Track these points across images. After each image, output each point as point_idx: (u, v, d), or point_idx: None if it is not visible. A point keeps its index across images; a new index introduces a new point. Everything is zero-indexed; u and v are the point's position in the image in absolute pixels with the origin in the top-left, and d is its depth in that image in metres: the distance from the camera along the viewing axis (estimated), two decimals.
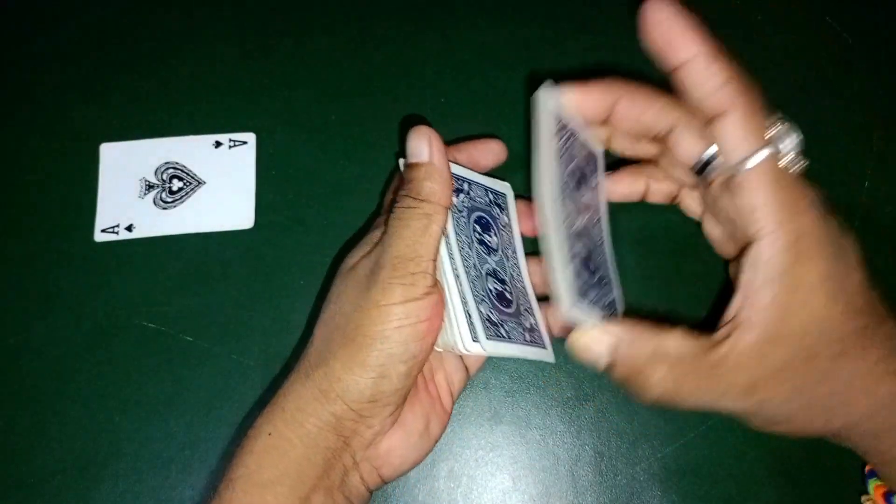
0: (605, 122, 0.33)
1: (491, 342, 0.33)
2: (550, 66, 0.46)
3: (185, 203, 0.43)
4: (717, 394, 0.29)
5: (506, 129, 0.45)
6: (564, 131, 0.32)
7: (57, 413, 0.40)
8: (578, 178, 0.34)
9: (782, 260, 0.27)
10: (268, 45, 0.47)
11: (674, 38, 0.28)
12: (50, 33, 0.47)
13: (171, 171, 0.44)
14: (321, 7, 0.47)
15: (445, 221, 0.33)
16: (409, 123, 0.42)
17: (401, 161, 0.35)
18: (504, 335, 0.34)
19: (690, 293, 0.42)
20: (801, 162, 0.28)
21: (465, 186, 0.37)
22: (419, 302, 0.31)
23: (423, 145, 0.33)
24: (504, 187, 0.40)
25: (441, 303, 0.32)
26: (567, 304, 0.30)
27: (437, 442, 0.35)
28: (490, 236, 0.37)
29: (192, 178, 0.44)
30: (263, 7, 0.48)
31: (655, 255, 0.43)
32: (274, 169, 0.44)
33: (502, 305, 0.35)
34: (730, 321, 0.28)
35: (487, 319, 0.34)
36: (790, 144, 0.28)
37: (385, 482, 0.34)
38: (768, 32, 0.47)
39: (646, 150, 0.35)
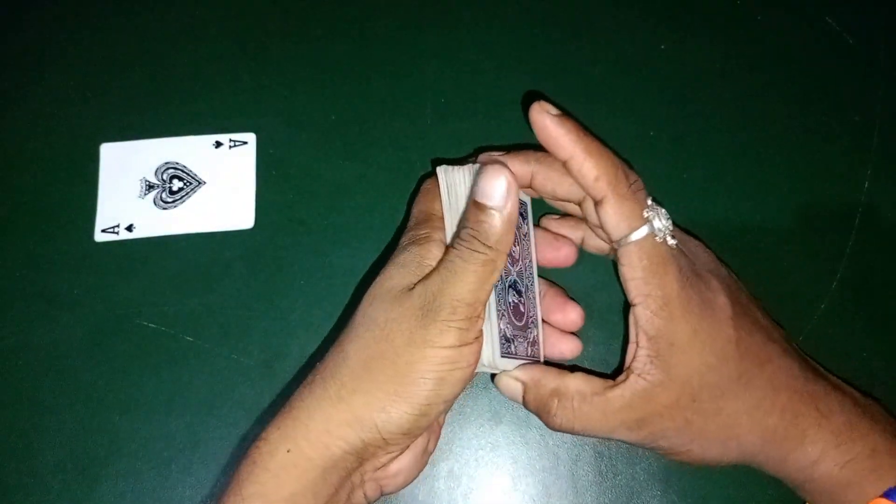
0: (529, 186, 0.37)
1: (504, 360, 0.33)
2: (550, 66, 0.46)
3: (185, 203, 0.43)
4: (611, 426, 0.33)
5: (506, 130, 0.45)
6: None
7: (57, 413, 0.40)
8: None
9: (655, 323, 0.32)
10: (268, 45, 0.47)
11: (554, 141, 0.33)
12: (50, 33, 0.47)
13: (171, 171, 0.44)
14: (321, 7, 0.47)
15: (503, 270, 0.33)
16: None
17: (441, 169, 0.34)
18: (513, 352, 0.34)
19: None
20: (672, 239, 0.33)
21: None
22: (470, 347, 0.31)
23: (501, 190, 0.31)
24: (525, 196, 0.38)
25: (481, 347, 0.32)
26: (495, 355, 0.33)
27: (430, 457, 0.36)
28: (514, 245, 0.36)
29: (192, 178, 0.44)
30: (263, 7, 0.48)
31: None
32: (274, 169, 0.44)
33: (516, 319, 0.35)
34: (626, 369, 0.33)
35: (503, 336, 0.33)
36: (661, 223, 0.33)
37: (382, 496, 0.35)
38: (768, 32, 0.47)
39: (575, 209, 0.37)
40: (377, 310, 0.32)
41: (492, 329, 0.33)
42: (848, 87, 0.46)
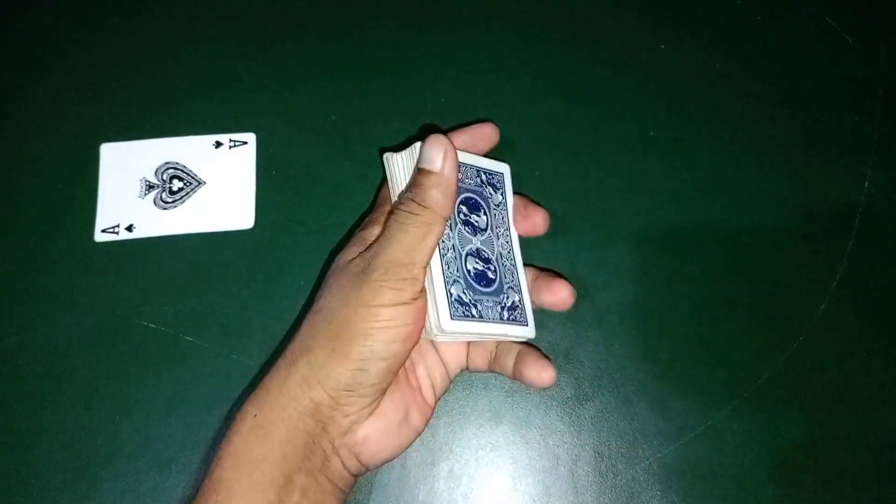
0: None
1: (456, 322, 0.34)
2: (550, 66, 0.46)
3: (185, 203, 0.43)
4: None
5: (505, 129, 0.44)
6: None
7: (57, 413, 0.40)
8: (472, 204, 0.38)
9: None
10: (268, 45, 0.47)
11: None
12: (50, 33, 0.47)
13: (171, 171, 0.44)
14: (321, 7, 0.47)
15: (443, 233, 0.34)
16: (423, 129, 0.42)
17: (388, 155, 0.36)
18: (474, 315, 0.35)
19: (690, 293, 0.42)
20: None
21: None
22: (406, 307, 0.32)
23: (438, 154, 0.34)
24: (501, 167, 0.40)
25: (426, 307, 0.34)
26: (442, 321, 0.34)
27: (419, 434, 0.36)
28: (479, 216, 0.38)
29: (192, 178, 0.44)
30: (263, 7, 0.48)
31: (655, 255, 0.43)
32: (274, 169, 0.44)
33: (479, 285, 0.36)
34: None
35: (457, 300, 0.35)
36: None
37: (368, 468, 0.35)
38: (768, 32, 0.47)
39: None
40: (327, 286, 0.35)
41: (436, 295, 0.34)
42: (848, 87, 0.46)
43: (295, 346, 0.34)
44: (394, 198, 0.36)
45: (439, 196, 0.34)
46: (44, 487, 0.39)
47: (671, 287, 0.42)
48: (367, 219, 0.38)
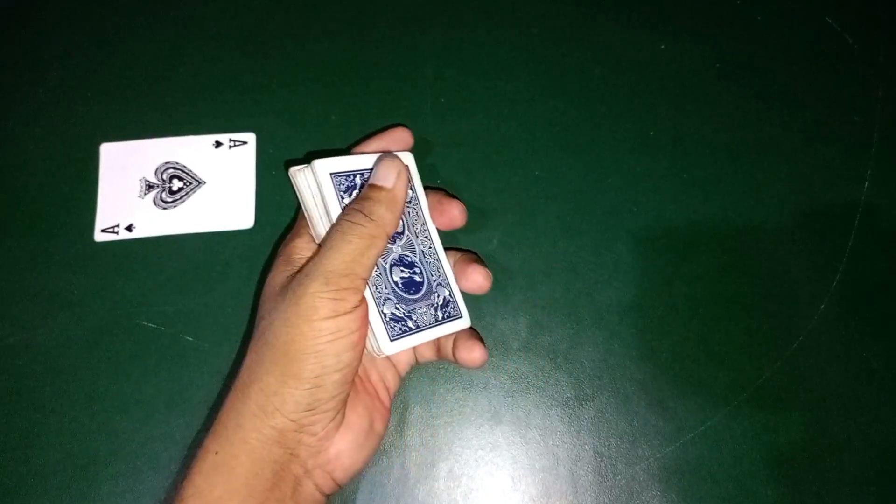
0: None
1: (395, 342, 0.35)
2: (550, 66, 0.46)
3: (185, 203, 0.43)
4: None
5: (505, 129, 0.45)
6: (344, 183, 0.36)
7: (57, 413, 0.40)
8: None
9: None
10: (268, 45, 0.47)
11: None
12: (50, 33, 0.47)
13: (171, 171, 0.44)
14: (321, 7, 0.47)
15: (384, 249, 0.34)
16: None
17: (294, 169, 0.36)
18: (411, 328, 0.36)
19: (690, 293, 0.42)
20: None
21: (359, 180, 0.36)
22: (349, 315, 0.32)
23: (392, 173, 0.35)
24: (404, 157, 0.38)
25: (367, 310, 0.34)
26: (381, 344, 0.35)
27: (382, 439, 0.36)
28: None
29: (192, 178, 0.44)
30: (263, 7, 0.48)
31: (655, 255, 0.43)
32: (274, 169, 0.44)
33: (409, 293, 0.36)
34: None
35: (392, 318, 0.35)
36: None
37: (340, 486, 0.34)
38: (768, 32, 0.47)
39: None
40: (264, 309, 0.34)
41: (371, 319, 0.34)
42: (848, 87, 0.46)
43: (243, 376, 0.33)
44: (305, 211, 0.36)
45: (386, 212, 0.34)
46: (44, 487, 0.39)
47: (671, 287, 0.42)
48: (289, 234, 0.38)
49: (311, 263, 0.33)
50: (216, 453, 0.31)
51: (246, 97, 0.46)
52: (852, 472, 0.39)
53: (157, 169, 0.44)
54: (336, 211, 0.35)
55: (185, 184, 0.44)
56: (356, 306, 0.32)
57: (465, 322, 0.38)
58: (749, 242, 0.43)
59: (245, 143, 0.45)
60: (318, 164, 0.35)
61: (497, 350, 0.41)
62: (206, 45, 0.47)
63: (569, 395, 0.41)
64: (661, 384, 0.41)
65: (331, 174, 0.35)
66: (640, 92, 0.46)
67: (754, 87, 0.46)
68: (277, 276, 0.35)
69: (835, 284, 0.42)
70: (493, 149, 0.44)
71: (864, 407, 0.40)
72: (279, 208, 0.43)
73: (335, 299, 0.31)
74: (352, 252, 0.32)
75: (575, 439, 0.40)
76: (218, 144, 0.44)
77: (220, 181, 0.44)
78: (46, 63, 0.46)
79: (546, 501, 0.39)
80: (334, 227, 0.34)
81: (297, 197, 0.36)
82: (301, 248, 0.36)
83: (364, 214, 0.33)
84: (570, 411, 0.40)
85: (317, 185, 0.35)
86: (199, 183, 0.44)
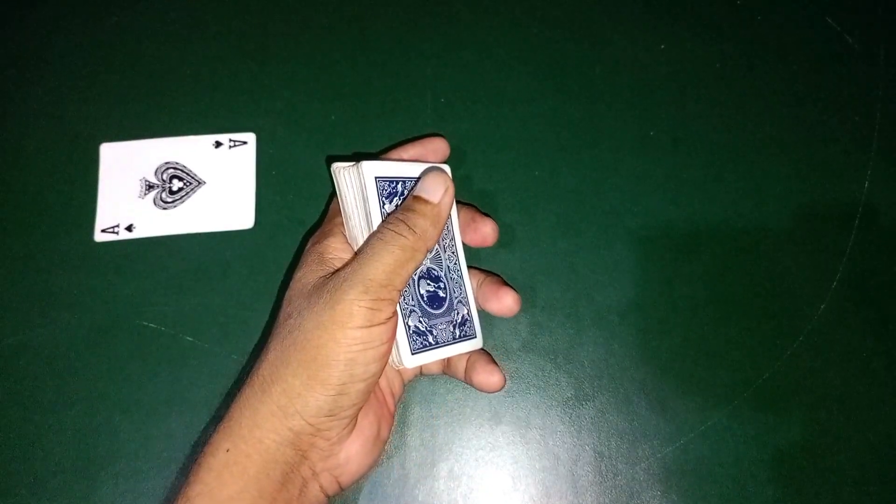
0: None
1: (416, 356, 0.34)
2: (550, 66, 0.46)
3: (185, 203, 0.43)
4: None
5: (505, 129, 0.45)
6: (387, 189, 0.35)
7: (57, 413, 0.40)
8: None
9: None
10: (268, 45, 0.47)
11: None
12: (50, 33, 0.47)
13: (171, 171, 0.44)
14: (321, 7, 0.47)
15: (421, 263, 0.34)
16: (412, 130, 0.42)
17: (334, 167, 0.35)
18: (431, 343, 0.35)
19: (690, 293, 0.42)
20: None
21: (401, 188, 0.36)
22: (382, 326, 0.31)
23: (440, 189, 0.34)
24: (445, 168, 0.38)
25: (396, 322, 0.33)
26: (403, 356, 0.34)
27: (385, 444, 0.36)
28: None
29: (192, 178, 0.44)
30: (263, 7, 0.48)
31: (655, 255, 0.43)
32: (274, 169, 0.44)
33: (433, 308, 0.36)
34: None
35: (415, 331, 0.35)
36: None
37: (343, 489, 0.34)
38: (768, 32, 0.47)
39: None
40: (293, 307, 0.33)
41: (398, 331, 0.34)
42: (848, 87, 0.46)
43: (264, 372, 0.32)
44: (343, 210, 0.35)
45: (430, 227, 0.33)
46: (44, 487, 0.39)
47: (671, 287, 0.42)
48: (319, 231, 0.37)
49: (348, 268, 0.32)
50: (227, 451, 0.31)
51: (246, 97, 0.46)
52: (852, 472, 0.39)
53: (157, 169, 0.44)
54: (376, 215, 0.34)
55: (185, 184, 0.44)
56: (389, 318, 0.32)
57: (478, 342, 0.38)
58: (749, 242, 0.43)
59: (245, 143, 0.45)
60: (366, 165, 0.34)
61: (497, 350, 0.41)
62: (206, 45, 0.47)
63: (569, 395, 0.41)
64: (661, 384, 0.41)
65: (376, 178, 0.34)
66: (640, 92, 0.46)
67: (754, 87, 0.46)
68: (309, 274, 0.34)
69: (835, 284, 0.42)
70: (493, 149, 0.44)
71: (864, 407, 0.40)
72: (279, 208, 0.43)
73: (372, 309, 0.31)
74: (392, 263, 0.32)
75: (575, 439, 0.40)
76: (218, 144, 0.44)
77: (220, 181, 0.44)
78: (46, 63, 0.46)
79: (546, 501, 0.39)
80: (376, 235, 0.33)
81: (334, 192, 0.36)
82: (335, 248, 0.35)
83: (408, 226, 0.33)
84: (571, 411, 0.40)
85: (361, 186, 0.34)
86: (199, 183, 0.44)
